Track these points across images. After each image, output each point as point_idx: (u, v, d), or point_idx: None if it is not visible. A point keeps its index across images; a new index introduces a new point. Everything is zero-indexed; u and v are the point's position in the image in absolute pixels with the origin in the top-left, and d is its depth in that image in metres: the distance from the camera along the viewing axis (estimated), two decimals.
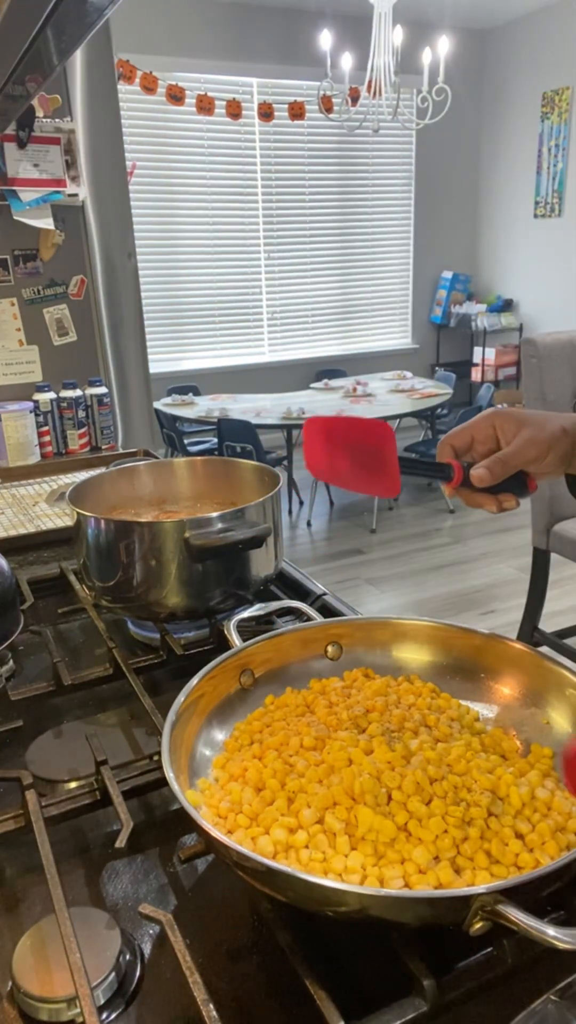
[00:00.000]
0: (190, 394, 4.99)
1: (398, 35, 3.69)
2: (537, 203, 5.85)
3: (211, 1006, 0.43)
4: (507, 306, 6.25)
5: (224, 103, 5.10)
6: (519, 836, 0.53)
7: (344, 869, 0.49)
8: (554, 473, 0.69)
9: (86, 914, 0.52)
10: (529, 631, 2.47)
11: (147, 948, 0.52)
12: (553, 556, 2.40)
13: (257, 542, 0.84)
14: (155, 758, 0.66)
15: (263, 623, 0.88)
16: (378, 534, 4.24)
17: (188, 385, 5.22)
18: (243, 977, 0.49)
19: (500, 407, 0.71)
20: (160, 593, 0.85)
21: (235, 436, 4.10)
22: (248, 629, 0.79)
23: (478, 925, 0.43)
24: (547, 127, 5.61)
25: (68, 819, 0.61)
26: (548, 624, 2.54)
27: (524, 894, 0.44)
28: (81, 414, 1.82)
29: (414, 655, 0.74)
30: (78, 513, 0.88)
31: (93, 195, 1.81)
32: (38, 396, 1.79)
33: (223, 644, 0.76)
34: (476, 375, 6.24)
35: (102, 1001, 0.47)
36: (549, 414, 0.69)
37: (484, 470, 0.66)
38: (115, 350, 1.96)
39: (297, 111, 5.41)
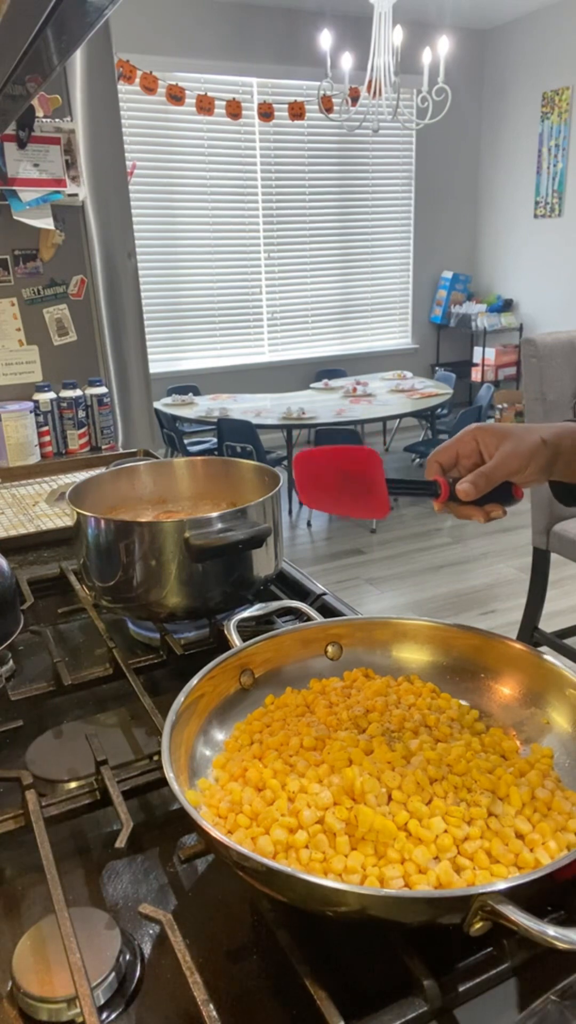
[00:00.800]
0: (190, 394, 4.99)
1: (398, 35, 3.69)
2: (537, 203, 5.84)
3: (211, 1006, 0.43)
4: (507, 306, 6.25)
5: (224, 103, 5.10)
6: (519, 836, 0.53)
7: (344, 869, 0.49)
8: (537, 481, 0.72)
9: (86, 914, 0.52)
10: (529, 631, 2.47)
11: (147, 948, 0.52)
12: (553, 556, 2.39)
13: (257, 542, 0.84)
14: (155, 758, 0.66)
15: (263, 623, 0.88)
16: (378, 534, 4.24)
17: (188, 385, 5.22)
18: (243, 977, 0.49)
19: (481, 423, 0.74)
20: (160, 593, 0.85)
21: (235, 436, 4.10)
22: (248, 629, 0.79)
23: (478, 925, 0.43)
24: (547, 127, 5.61)
25: (68, 819, 0.61)
26: (548, 624, 2.54)
27: (524, 894, 0.44)
28: (81, 414, 1.82)
29: (414, 655, 0.74)
30: (78, 513, 0.88)
31: (93, 195, 1.81)
32: (38, 396, 1.79)
33: (223, 644, 0.76)
34: (476, 375, 6.24)
35: (102, 1001, 0.47)
36: (529, 426, 0.72)
37: (469, 484, 0.68)
38: (115, 350, 1.96)
39: (297, 111, 5.41)
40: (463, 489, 0.68)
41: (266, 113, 5.31)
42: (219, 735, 0.66)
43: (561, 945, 0.40)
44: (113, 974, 0.48)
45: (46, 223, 1.74)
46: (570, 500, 0.78)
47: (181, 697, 0.62)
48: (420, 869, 0.50)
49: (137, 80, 4.76)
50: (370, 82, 3.92)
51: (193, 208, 5.35)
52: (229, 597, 0.88)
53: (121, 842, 0.55)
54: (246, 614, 0.80)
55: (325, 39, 3.84)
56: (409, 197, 6.19)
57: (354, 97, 4.80)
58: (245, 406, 4.58)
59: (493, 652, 0.70)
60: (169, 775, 0.53)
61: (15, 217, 1.70)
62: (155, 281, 5.27)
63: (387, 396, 4.70)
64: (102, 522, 0.85)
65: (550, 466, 0.71)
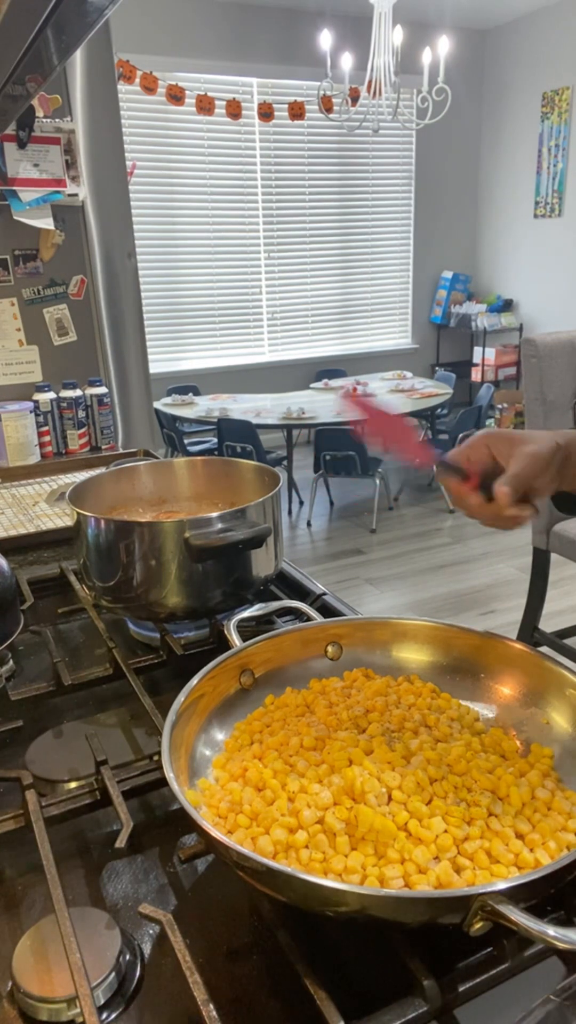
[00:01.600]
0: (190, 394, 4.99)
1: (398, 35, 3.69)
2: (537, 203, 5.84)
3: (211, 1006, 0.43)
4: (507, 306, 6.25)
5: (224, 103, 5.10)
6: (519, 836, 0.53)
7: (344, 869, 0.49)
8: (548, 490, 0.69)
9: (86, 914, 0.52)
10: (529, 631, 2.47)
11: (147, 948, 0.52)
12: (553, 556, 2.40)
13: (257, 542, 0.84)
14: (155, 758, 0.66)
15: (263, 623, 0.88)
16: (378, 534, 4.24)
17: (188, 385, 5.22)
18: (243, 977, 0.49)
19: (491, 428, 0.71)
20: (160, 593, 0.85)
21: (235, 436, 4.10)
22: (248, 629, 0.79)
23: (478, 925, 0.43)
24: (547, 127, 5.61)
25: (68, 819, 0.61)
26: (548, 624, 2.54)
27: (524, 894, 0.44)
28: (81, 414, 1.82)
29: (414, 655, 0.74)
30: (78, 513, 0.88)
31: (93, 195, 1.81)
32: (38, 396, 1.79)
33: (223, 644, 0.76)
34: (476, 375, 6.24)
35: (102, 1001, 0.47)
36: (537, 432, 0.70)
37: (507, 488, 0.65)
38: (115, 350, 1.96)
39: (297, 111, 5.41)
40: (504, 492, 0.65)
41: (266, 113, 5.31)
42: (219, 735, 0.66)
43: (561, 945, 0.40)
44: (113, 974, 0.48)
45: (46, 223, 1.74)
46: (569, 508, 0.76)
47: (181, 697, 0.62)
48: (420, 869, 0.50)
49: (137, 80, 4.76)
50: (370, 82, 3.92)
51: (193, 208, 5.35)
52: (229, 597, 0.88)
53: (121, 842, 0.55)
54: (246, 614, 0.80)
55: (325, 39, 3.84)
56: (409, 197, 6.19)
57: (354, 97, 4.80)
58: (245, 406, 4.58)
59: (493, 652, 0.70)
60: (169, 775, 0.53)
61: (15, 217, 1.70)
62: (155, 281, 5.27)
63: (387, 396, 4.70)
64: (102, 522, 0.85)
65: (563, 470, 0.69)
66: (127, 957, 0.50)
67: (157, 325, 5.34)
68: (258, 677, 0.71)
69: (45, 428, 1.79)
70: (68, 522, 1.27)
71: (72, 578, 1.06)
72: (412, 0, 4.77)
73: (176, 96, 4.93)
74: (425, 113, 4.28)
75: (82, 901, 0.56)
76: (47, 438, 1.80)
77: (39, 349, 1.85)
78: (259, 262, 5.71)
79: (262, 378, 5.79)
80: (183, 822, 0.63)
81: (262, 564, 0.90)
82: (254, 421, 4.11)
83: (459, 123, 5.89)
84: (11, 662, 0.89)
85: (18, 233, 1.74)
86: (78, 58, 1.71)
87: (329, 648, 0.75)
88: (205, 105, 5.02)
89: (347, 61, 3.88)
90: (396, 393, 4.74)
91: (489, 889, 0.43)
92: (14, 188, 1.68)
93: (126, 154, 1.88)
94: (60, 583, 1.09)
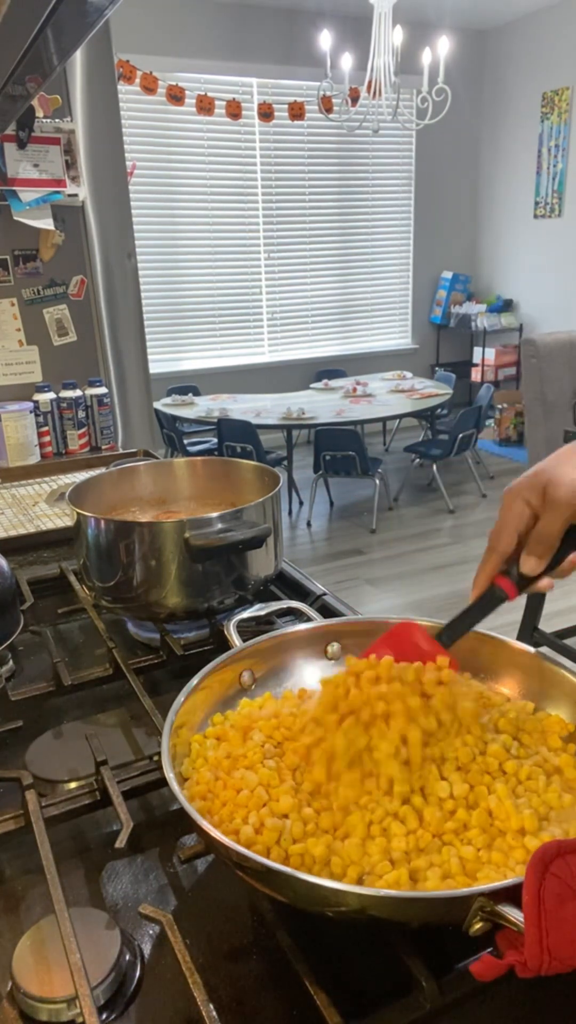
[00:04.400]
0: (190, 394, 4.99)
1: (398, 35, 3.69)
2: (537, 203, 5.84)
3: (211, 1006, 0.43)
4: (507, 306, 6.25)
5: (224, 103, 5.09)
6: (520, 835, 0.53)
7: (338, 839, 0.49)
8: None
9: (86, 914, 0.52)
10: (529, 631, 2.47)
11: (147, 948, 0.52)
12: None
13: (257, 542, 0.84)
14: (155, 758, 0.66)
15: (263, 623, 0.88)
16: (378, 534, 4.24)
17: (188, 385, 5.22)
18: (243, 977, 0.49)
19: (515, 482, 0.61)
20: (160, 593, 0.85)
21: (235, 436, 4.10)
22: (248, 629, 0.79)
23: (478, 925, 0.43)
24: (547, 127, 5.61)
25: (68, 819, 0.61)
26: (548, 624, 2.54)
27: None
28: (81, 414, 1.82)
29: None
30: (78, 513, 0.88)
31: (93, 195, 1.81)
32: (38, 396, 1.79)
33: (223, 644, 0.76)
34: (476, 375, 6.24)
35: (102, 1001, 0.47)
36: (558, 455, 0.60)
37: (533, 559, 0.59)
38: (115, 350, 1.96)
39: (297, 111, 5.41)
40: (530, 567, 0.59)
41: (266, 113, 5.31)
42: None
43: None
44: (113, 974, 0.48)
45: (46, 223, 1.74)
46: None
47: (181, 697, 0.62)
48: (420, 869, 0.50)
49: (137, 80, 4.76)
50: (370, 82, 3.92)
51: (193, 208, 5.35)
52: (229, 597, 0.88)
53: (121, 842, 0.55)
54: (246, 614, 0.80)
55: (325, 39, 3.84)
56: (409, 197, 6.19)
57: (354, 97, 4.80)
58: (245, 406, 4.58)
59: (493, 652, 0.70)
60: (169, 775, 0.53)
61: (15, 217, 1.70)
62: (155, 281, 5.27)
63: (387, 396, 4.70)
64: (102, 522, 0.85)
65: None
66: (127, 957, 0.50)
67: (157, 325, 5.34)
68: (258, 677, 0.71)
69: (45, 428, 1.79)
70: (68, 522, 1.27)
71: (72, 578, 1.06)
72: (412, 0, 4.77)
73: (176, 96, 4.93)
74: (425, 113, 4.28)
75: (82, 901, 0.56)
76: (47, 438, 1.80)
77: (39, 349, 1.85)
78: (259, 262, 5.71)
79: (262, 378, 5.79)
80: (183, 822, 0.63)
81: (262, 564, 0.90)
82: (254, 421, 4.11)
83: (459, 123, 5.89)
84: (11, 662, 0.89)
85: (18, 233, 1.74)
86: (78, 58, 1.71)
87: (329, 648, 0.75)
88: (205, 105, 5.02)
89: (347, 61, 3.88)
90: (396, 393, 4.74)
91: (489, 889, 0.43)
92: (14, 188, 1.68)
93: (126, 154, 1.88)
94: (60, 583, 1.09)
